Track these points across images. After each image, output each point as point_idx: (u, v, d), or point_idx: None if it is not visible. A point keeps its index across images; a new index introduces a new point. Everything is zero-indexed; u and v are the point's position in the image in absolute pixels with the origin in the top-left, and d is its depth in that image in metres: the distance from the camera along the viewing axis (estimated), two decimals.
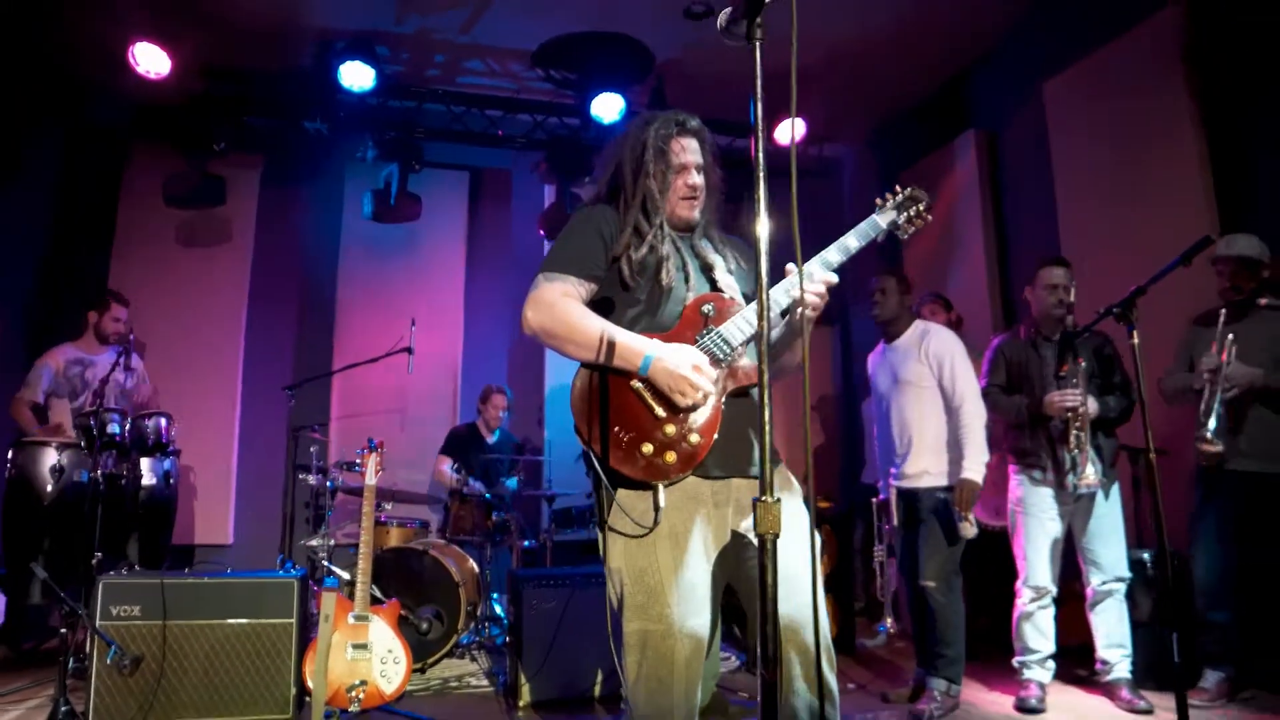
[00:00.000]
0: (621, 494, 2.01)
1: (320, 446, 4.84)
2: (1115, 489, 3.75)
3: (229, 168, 5.75)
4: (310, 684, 3.34)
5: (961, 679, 3.62)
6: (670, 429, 1.99)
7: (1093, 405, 3.60)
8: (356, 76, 5.27)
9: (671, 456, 1.99)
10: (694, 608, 1.95)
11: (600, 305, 2.12)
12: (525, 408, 6.07)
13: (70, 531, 4.20)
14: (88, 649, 3.39)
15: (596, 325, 2.02)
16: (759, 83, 1.53)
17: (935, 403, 3.68)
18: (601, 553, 2.08)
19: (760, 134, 1.54)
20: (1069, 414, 3.59)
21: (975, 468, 3.51)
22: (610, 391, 2.04)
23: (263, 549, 5.53)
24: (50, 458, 4.27)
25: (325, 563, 4.31)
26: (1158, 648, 3.78)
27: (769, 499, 1.44)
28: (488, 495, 4.74)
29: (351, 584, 3.59)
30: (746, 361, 2.10)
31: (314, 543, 4.42)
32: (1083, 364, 3.62)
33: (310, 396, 5.38)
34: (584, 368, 2.07)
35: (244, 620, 3.43)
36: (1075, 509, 3.73)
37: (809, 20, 5.11)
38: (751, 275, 2.24)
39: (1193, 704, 3.49)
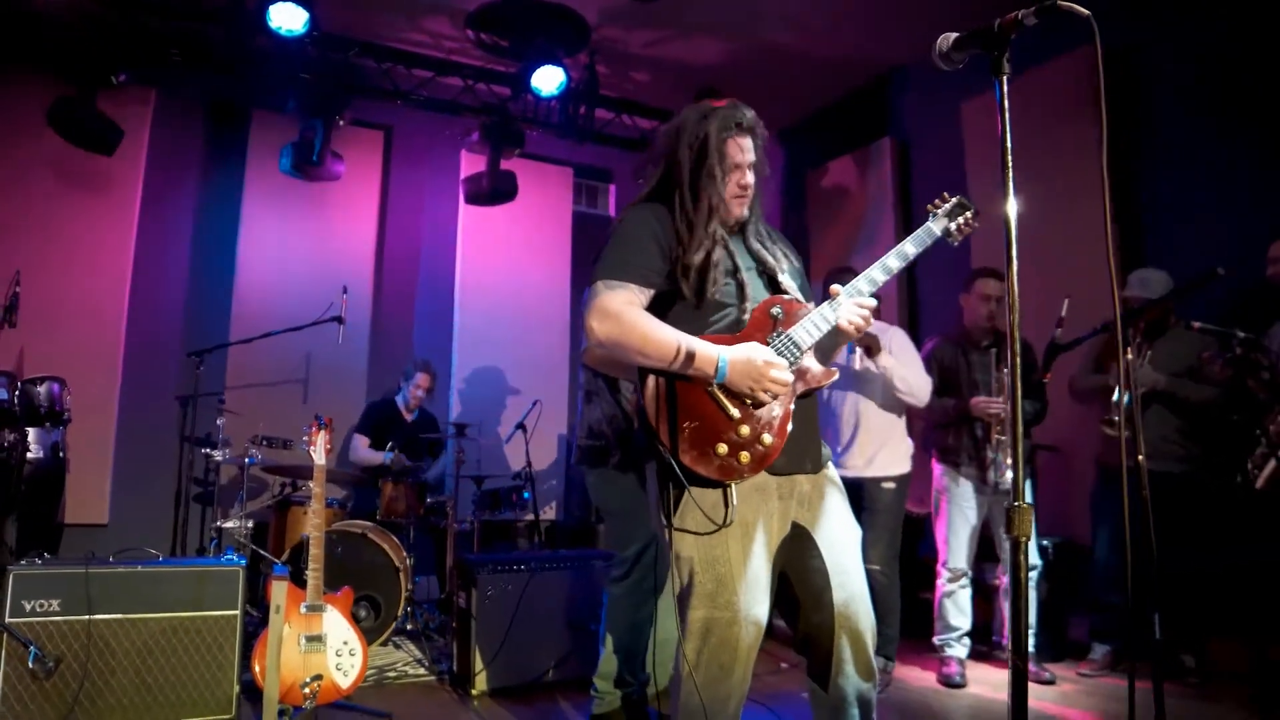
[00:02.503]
0: (693, 491, 2.02)
1: (229, 419, 4.48)
2: (1028, 485, 4.11)
3: (118, 104, 5.14)
4: (260, 680, 3.12)
5: (895, 656, 3.88)
6: (744, 430, 2.01)
7: None
8: (287, 18, 4.83)
9: (745, 457, 2.01)
10: (758, 596, 2.01)
11: (657, 310, 2.10)
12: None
13: None
14: None
15: (671, 336, 2.00)
16: (1005, 108, 1.59)
17: (877, 392, 3.87)
18: (665, 542, 2.08)
19: (1008, 139, 1.61)
20: (993, 418, 3.89)
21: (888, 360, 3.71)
22: (681, 392, 2.03)
23: (145, 529, 5.03)
24: None
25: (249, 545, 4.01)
26: (1057, 626, 4.21)
27: (1022, 504, 1.53)
28: (425, 477, 4.56)
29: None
30: (813, 365, 2.14)
31: (230, 524, 4.10)
32: (1005, 371, 3.92)
33: (202, 365, 4.92)
34: (652, 371, 2.05)
35: (181, 614, 3.15)
36: (993, 501, 4.05)
37: (734, 9, 5.19)
38: (802, 274, 2.31)
39: (1082, 673, 3.97)
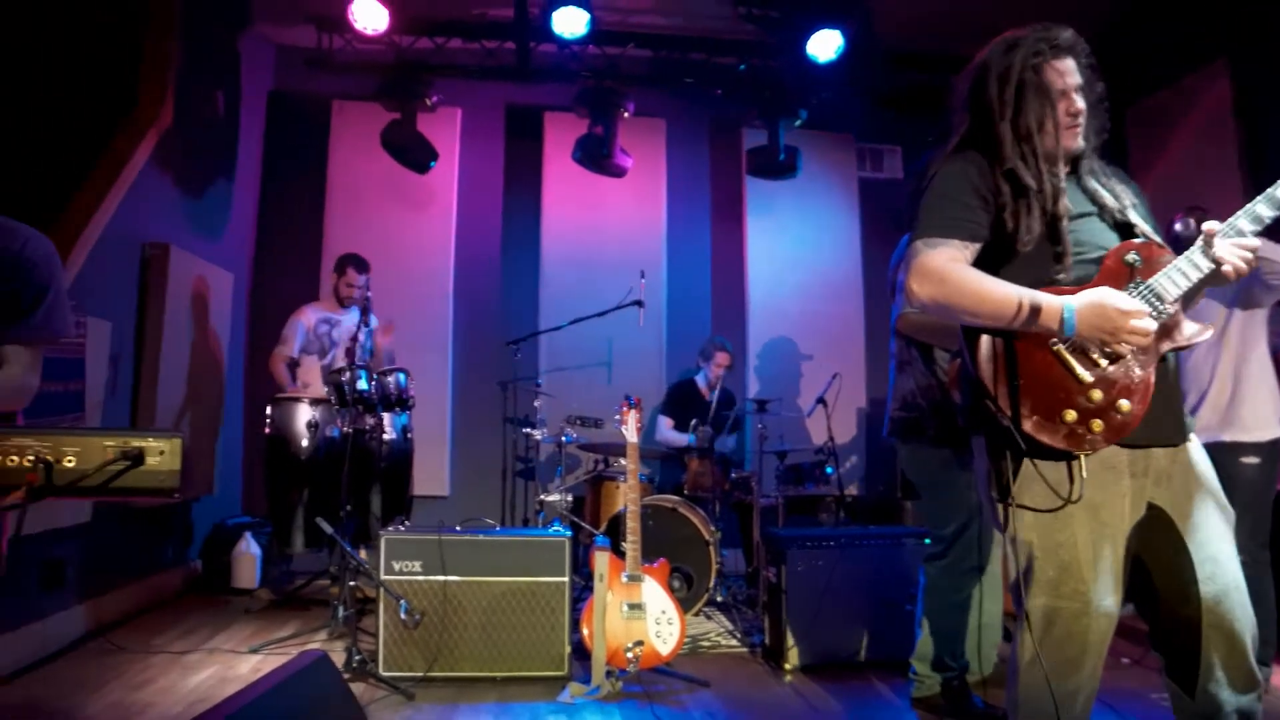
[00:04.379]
0: (1037, 463, 1.82)
1: (545, 401, 4.85)
2: None
3: (431, 124, 5.77)
4: (588, 642, 3.34)
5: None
6: (1096, 394, 1.78)
7: None
8: (569, 22, 5.13)
9: (1098, 425, 1.78)
10: (1109, 585, 1.80)
11: (983, 268, 1.90)
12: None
13: (324, 483, 4.36)
14: (374, 602, 3.50)
15: (1007, 291, 1.79)
16: None
17: (1240, 330, 3.29)
18: (999, 522, 1.90)
19: None
20: None
21: None
22: (1021, 354, 1.83)
23: (478, 501, 5.62)
24: (305, 413, 4.43)
25: (570, 516, 4.32)
26: None
27: None
28: (723, 450, 4.67)
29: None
30: (1182, 320, 1.85)
31: (551, 498, 4.43)
32: None
33: (519, 352, 5.37)
34: (985, 331, 1.87)
35: (518, 578, 3.45)
36: None
37: None
38: (1150, 213, 2.00)
39: None
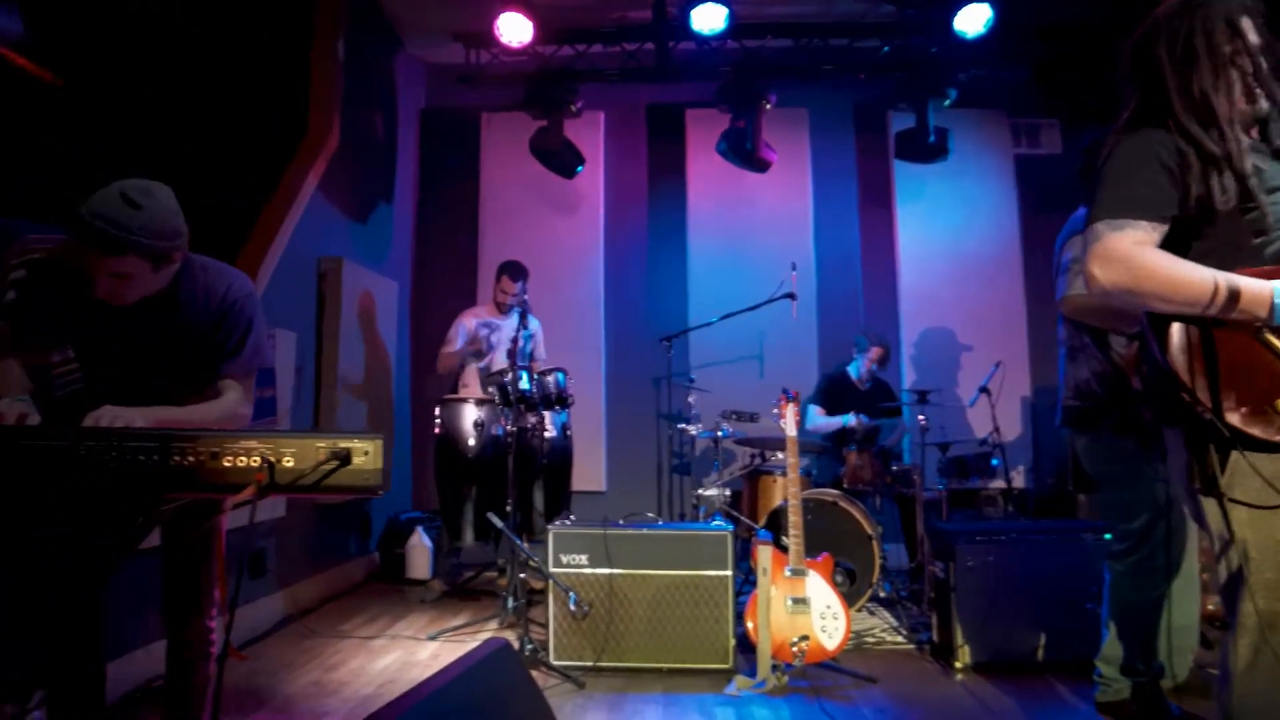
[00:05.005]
0: (1248, 456, 1.69)
1: (699, 396, 4.88)
2: None
3: (576, 130, 5.93)
4: (753, 636, 3.34)
5: None
6: None
7: None
8: (708, 18, 5.14)
9: None
10: None
11: (1169, 249, 1.77)
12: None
13: (490, 480, 4.56)
14: (541, 593, 3.64)
15: (1203, 275, 1.66)
16: None
17: None
18: (1204, 519, 1.77)
19: None
20: None
21: None
22: (1221, 341, 1.69)
23: (635, 496, 5.73)
24: (471, 414, 4.64)
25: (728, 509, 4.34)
26: None
27: None
28: (884, 443, 4.57)
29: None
30: None
31: (709, 492, 4.46)
32: None
33: (671, 348, 5.43)
34: (1175, 319, 1.74)
35: (681, 572, 3.50)
36: None
37: None
38: None
39: None
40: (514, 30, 5.30)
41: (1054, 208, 5.44)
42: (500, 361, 5.02)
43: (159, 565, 2.36)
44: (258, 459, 1.57)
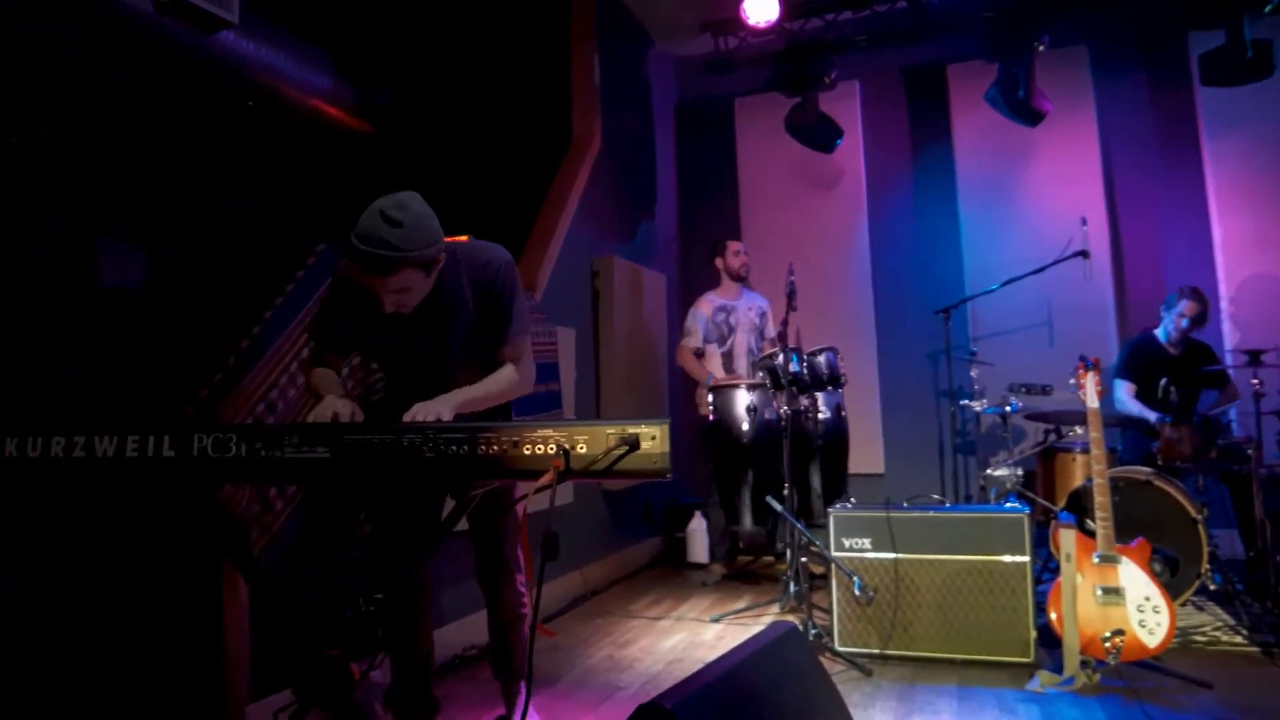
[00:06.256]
0: None
1: (981, 370, 4.57)
2: None
3: (831, 102, 5.77)
4: (1057, 628, 3.07)
5: None
6: None
7: None
8: None
9: None
10: None
11: None
12: None
13: (766, 464, 4.57)
14: (822, 578, 3.59)
15: None
16: None
17: None
18: None
19: None
20: None
21: None
22: None
23: (915, 478, 5.48)
24: (743, 399, 4.69)
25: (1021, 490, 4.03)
26: None
27: None
28: (1212, 412, 4.00)
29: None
30: None
31: (999, 472, 4.16)
32: None
33: (949, 320, 5.12)
34: None
35: (972, 557, 3.30)
36: None
37: None
38: None
39: None
40: (760, 10, 5.26)
41: None
42: (741, 343, 5.04)
43: (471, 547, 2.63)
44: (554, 446, 1.67)
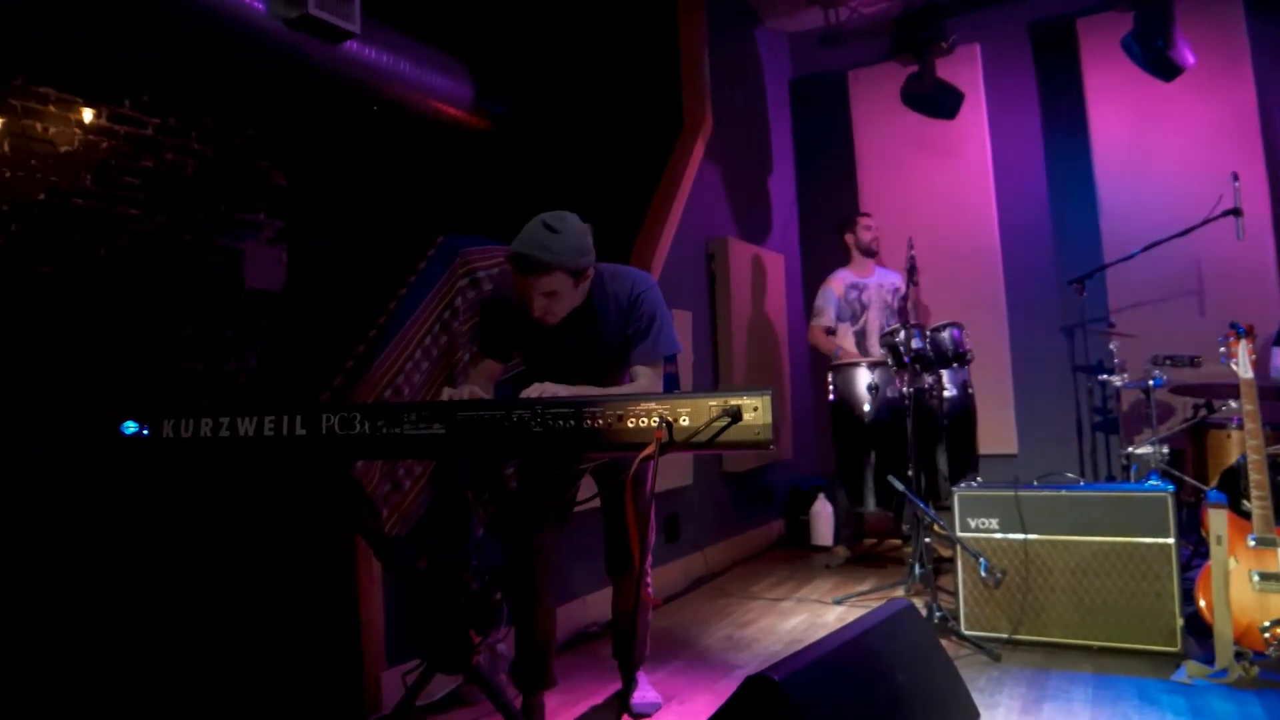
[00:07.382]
0: None
1: (1121, 342, 4.30)
2: None
3: (949, 67, 5.54)
4: (1207, 616, 2.87)
5: None
6: None
7: None
8: None
9: None
10: None
11: None
12: None
13: (889, 444, 4.47)
14: (948, 560, 3.49)
15: None
16: None
17: None
18: None
19: None
20: None
21: None
22: None
23: (1051, 457, 5.20)
24: (864, 377, 4.59)
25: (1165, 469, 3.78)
26: None
27: None
28: None
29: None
30: None
31: (1142, 450, 3.91)
32: None
33: (1084, 291, 4.83)
34: None
35: (1110, 538, 3.12)
36: None
37: None
38: None
39: None
40: None
41: None
42: (874, 321, 4.91)
43: (597, 527, 2.73)
44: (657, 419, 1.70)
